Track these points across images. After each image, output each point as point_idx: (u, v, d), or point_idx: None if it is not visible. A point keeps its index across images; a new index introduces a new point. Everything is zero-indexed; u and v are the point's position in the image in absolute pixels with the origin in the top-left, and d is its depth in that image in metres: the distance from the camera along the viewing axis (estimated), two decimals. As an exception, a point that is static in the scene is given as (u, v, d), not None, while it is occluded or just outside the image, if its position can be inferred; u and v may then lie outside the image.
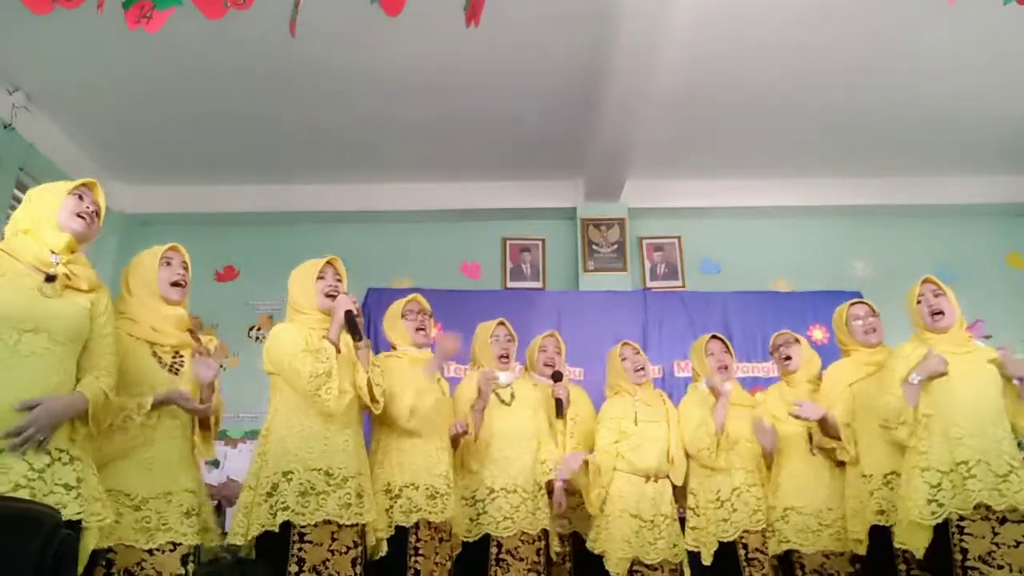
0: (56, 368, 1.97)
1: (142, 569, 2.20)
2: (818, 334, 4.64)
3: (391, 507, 2.71)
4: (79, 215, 2.10)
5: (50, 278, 2.00)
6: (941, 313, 2.76)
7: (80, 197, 2.13)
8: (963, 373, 2.63)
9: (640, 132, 4.32)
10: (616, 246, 5.09)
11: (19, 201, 4.13)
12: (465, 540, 2.97)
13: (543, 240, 5.23)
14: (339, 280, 2.68)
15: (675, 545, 3.05)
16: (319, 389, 2.41)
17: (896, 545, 2.65)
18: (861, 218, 5.24)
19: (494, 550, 2.93)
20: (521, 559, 2.94)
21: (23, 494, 1.80)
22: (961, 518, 2.48)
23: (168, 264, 2.44)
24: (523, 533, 2.97)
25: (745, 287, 4.92)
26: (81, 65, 3.83)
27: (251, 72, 3.89)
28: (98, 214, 2.18)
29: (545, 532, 3.04)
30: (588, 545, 3.07)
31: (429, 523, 2.74)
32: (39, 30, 3.49)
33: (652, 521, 3.03)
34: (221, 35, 3.50)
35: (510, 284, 5.09)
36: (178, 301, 2.44)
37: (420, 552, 2.69)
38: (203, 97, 4.13)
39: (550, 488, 3.11)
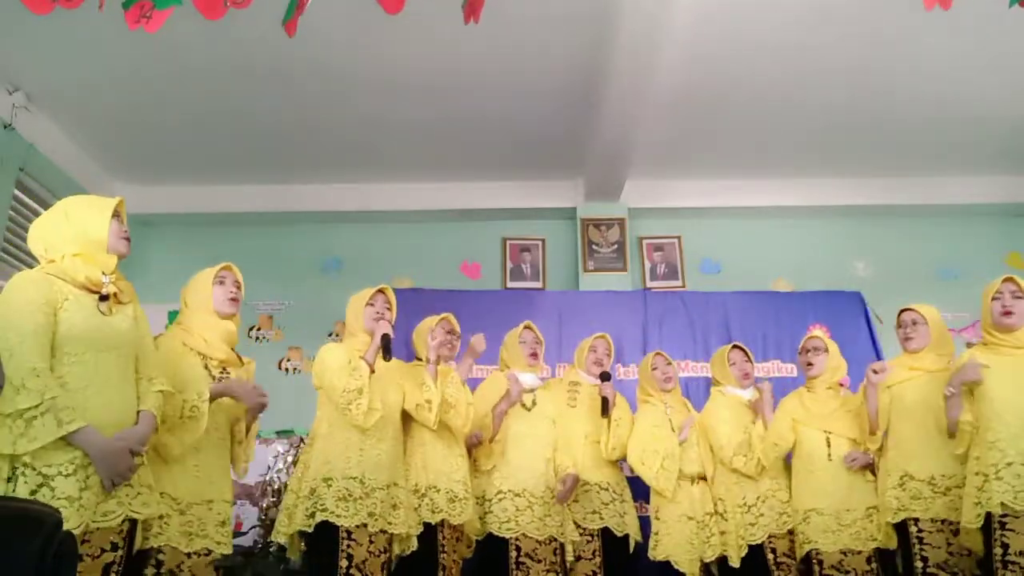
0: (126, 381, 2.15)
1: (181, 571, 2.35)
2: (819, 333, 4.63)
3: (419, 506, 2.83)
4: (122, 238, 2.25)
5: (103, 297, 2.12)
6: (1011, 313, 2.77)
7: (118, 217, 2.26)
8: (1010, 376, 2.70)
9: (640, 132, 4.32)
10: (616, 246, 5.09)
11: (19, 201, 4.16)
12: (478, 539, 3.07)
13: (543, 240, 5.23)
14: (388, 308, 2.90)
15: (720, 541, 3.21)
16: (350, 404, 2.61)
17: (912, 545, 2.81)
18: (861, 218, 5.24)
19: (513, 553, 3.00)
20: (539, 560, 3.00)
21: (113, 504, 2.02)
22: (1004, 514, 2.54)
23: (222, 283, 2.66)
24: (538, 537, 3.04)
25: (745, 287, 4.91)
26: (81, 65, 3.83)
27: (251, 72, 3.89)
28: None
29: (553, 539, 3.08)
30: (650, 554, 3.18)
31: (449, 524, 2.88)
32: (39, 30, 3.49)
33: (703, 521, 3.19)
34: (221, 35, 3.50)
35: (510, 284, 5.09)
36: (231, 314, 2.66)
37: (445, 549, 2.85)
38: (203, 97, 4.13)
39: (564, 480, 3.15)
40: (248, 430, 2.67)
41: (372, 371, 2.67)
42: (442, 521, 2.85)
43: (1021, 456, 2.57)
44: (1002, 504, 2.53)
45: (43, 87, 4.01)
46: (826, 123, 4.47)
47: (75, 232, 2.15)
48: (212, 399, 2.44)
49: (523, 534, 3.02)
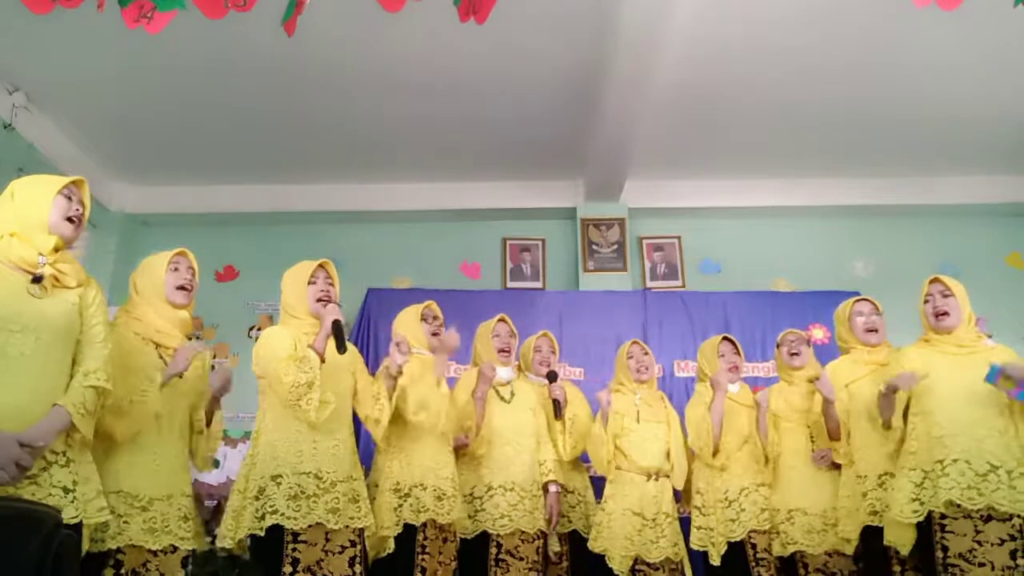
0: (47, 368, 1.97)
1: (147, 570, 2.26)
2: (818, 334, 4.64)
3: (400, 506, 2.72)
4: (69, 219, 2.09)
5: (37, 279, 1.99)
6: (945, 314, 2.76)
7: (68, 197, 2.11)
8: (956, 373, 2.65)
9: (640, 132, 4.32)
10: (616, 246, 5.09)
11: (19, 201, 4.16)
12: (463, 537, 2.98)
13: (543, 240, 5.23)
14: (331, 285, 2.64)
15: (676, 544, 3.06)
16: (300, 399, 2.35)
17: (886, 543, 2.69)
18: (861, 218, 5.24)
19: (493, 550, 2.95)
20: (521, 558, 2.95)
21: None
22: (944, 516, 2.50)
23: (175, 269, 2.51)
24: (522, 532, 2.98)
25: (745, 287, 4.92)
26: (81, 65, 3.83)
27: (251, 72, 3.89)
28: (83, 214, 2.16)
29: (543, 532, 3.06)
30: (589, 544, 3.08)
31: (435, 523, 2.77)
32: (39, 30, 3.49)
33: (654, 520, 3.03)
34: (221, 35, 3.50)
35: (510, 284, 5.09)
36: (183, 305, 2.51)
37: (427, 551, 2.72)
38: (203, 97, 4.13)
39: (547, 489, 3.14)
40: (210, 419, 2.55)
41: (322, 361, 2.40)
42: (425, 523, 2.72)
43: (966, 454, 2.52)
44: (948, 503, 2.48)
45: (43, 87, 4.01)
46: (826, 123, 4.47)
47: (17, 211, 2.04)
48: (163, 385, 2.33)
49: (514, 530, 2.96)
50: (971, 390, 2.60)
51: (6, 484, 1.79)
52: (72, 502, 1.92)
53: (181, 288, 2.49)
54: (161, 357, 2.41)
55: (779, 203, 5.15)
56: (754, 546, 3.04)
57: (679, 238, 5.22)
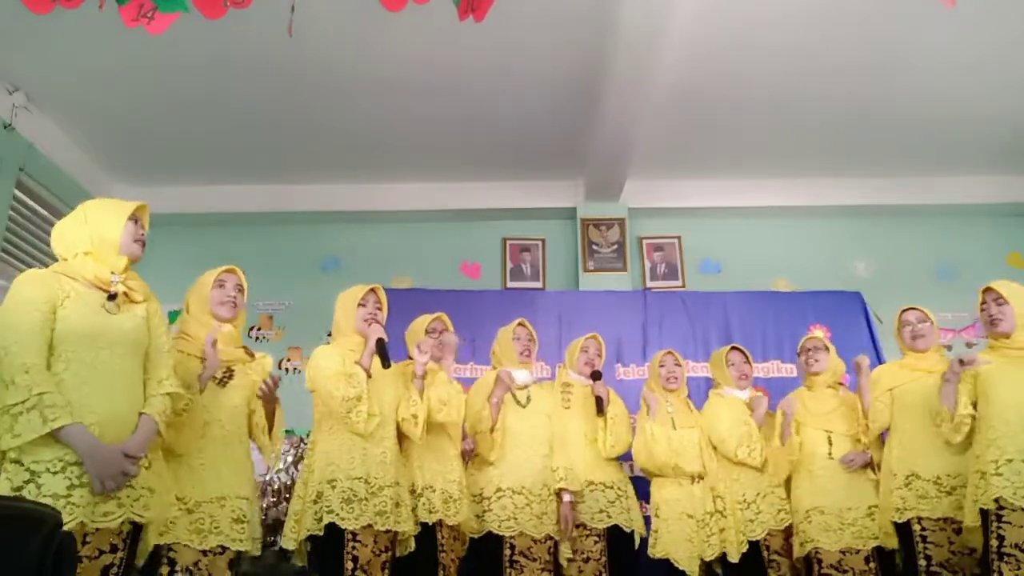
0: (132, 379, 2.14)
1: (199, 568, 2.36)
2: (818, 334, 4.64)
3: (415, 506, 2.81)
4: (137, 241, 2.25)
5: (112, 296, 2.14)
6: (1000, 320, 2.85)
7: (136, 220, 2.25)
8: (1014, 376, 2.74)
9: (640, 132, 4.31)
10: (616, 246, 5.09)
11: (19, 201, 4.16)
12: (473, 537, 3.05)
13: (543, 240, 5.23)
14: (379, 308, 2.85)
15: (720, 539, 3.23)
16: (350, 412, 2.57)
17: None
18: (861, 218, 5.24)
19: (507, 551, 2.99)
20: (534, 559, 3.00)
21: (112, 504, 2.01)
22: (1000, 507, 2.57)
23: (221, 286, 2.64)
24: (530, 537, 3.02)
25: (745, 287, 4.91)
26: (81, 65, 3.82)
27: (251, 72, 3.89)
28: (145, 235, 2.32)
29: (550, 537, 3.08)
30: (649, 551, 3.17)
31: (446, 524, 2.87)
32: (39, 30, 3.49)
33: (703, 520, 3.18)
34: (221, 35, 3.50)
35: (510, 284, 5.09)
36: (229, 319, 2.63)
37: (444, 549, 2.83)
38: (203, 97, 4.13)
39: (560, 497, 3.17)
40: (271, 420, 2.67)
41: (368, 376, 2.63)
42: (439, 521, 2.83)
43: (1020, 453, 2.60)
44: (999, 499, 2.56)
45: (43, 87, 4.01)
46: (826, 123, 4.47)
47: (90, 232, 2.18)
48: (202, 390, 2.47)
49: (520, 532, 3.00)
50: None
51: (112, 492, 1.98)
52: (161, 501, 2.15)
53: (223, 303, 2.61)
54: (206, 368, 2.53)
55: (779, 203, 5.15)
56: (768, 547, 3.19)
57: (679, 238, 5.22)
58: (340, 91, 4.08)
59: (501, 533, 3.00)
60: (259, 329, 4.95)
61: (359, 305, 2.81)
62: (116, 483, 1.98)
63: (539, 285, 5.09)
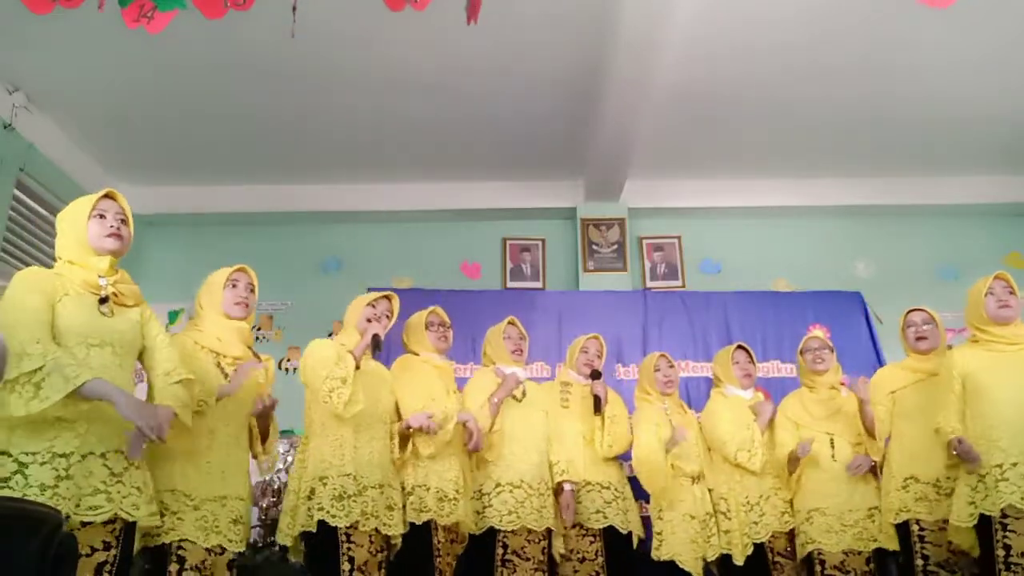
0: (123, 378, 2.16)
1: (205, 567, 2.38)
2: (819, 334, 4.64)
3: (404, 504, 2.81)
4: (107, 236, 2.21)
5: (103, 299, 2.17)
6: (1009, 306, 2.76)
7: (102, 216, 2.22)
8: (1009, 372, 2.67)
9: (640, 132, 4.31)
10: (616, 246, 5.09)
11: (19, 201, 4.16)
12: (471, 533, 3.04)
13: (543, 240, 5.23)
14: (388, 316, 2.94)
15: (725, 540, 3.24)
16: (332, 391, 2.57)
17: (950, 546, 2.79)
18: (862, 218, 5.24)
19: (500, 551, 2.99)
20: (527, 559, 2.99)
21: (101, 499, 2.02)
22: (1005, 515, 2.51)
23: (234, 286, 2.67)
24: (529, 532, 3.02)
25: (745, 287, 4.91)
26: (81, 65, 3.82)
27: (251, 72, 3.89)
28: (126, 221, 2.28)
29: (549, 531, 3.08)
30: (653, 553, 3.16)
31: (441, 524, 2.85)
32: (39, 30, 3.49)
33: (704, 520, 3.20)
34: (221, 35, 3.50)
35: (510, 284, 5.09)
36: (241, 318, 2.67)
37: (440, 553, 2.82)
38: (203, 97, 4.13)
39: (558, 490, 3.18)
40: (266, 428, 2.71)
41: (358, 366, 2.65)
42: (434, 522, 2.82)
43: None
44: (1010, 506, 2.49)
45: (43, 87, 4.01)
46: (826, 123, 4.47)
47: (69, 239, 2.21)
48: (218, 400, 2.49)
49: (518, 528, 3.00)
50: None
51: (156, 439, 2.03)
52: (148, 502, 2.16)
53: (237, 304, 2.65)
54: (219, 365, 2.56)
55: (779, 203, 5.15)
56: (772, 549, 3.19)
57: (679, 238, 5.22)
58: (340, 91, 4.08)
59: (503, 528, 3.00)
60: (259, 329, 4.94)
61: (368, 305, 2.88)
62: (160, 431, 2.03)
63: (539, 285, 5.09)
